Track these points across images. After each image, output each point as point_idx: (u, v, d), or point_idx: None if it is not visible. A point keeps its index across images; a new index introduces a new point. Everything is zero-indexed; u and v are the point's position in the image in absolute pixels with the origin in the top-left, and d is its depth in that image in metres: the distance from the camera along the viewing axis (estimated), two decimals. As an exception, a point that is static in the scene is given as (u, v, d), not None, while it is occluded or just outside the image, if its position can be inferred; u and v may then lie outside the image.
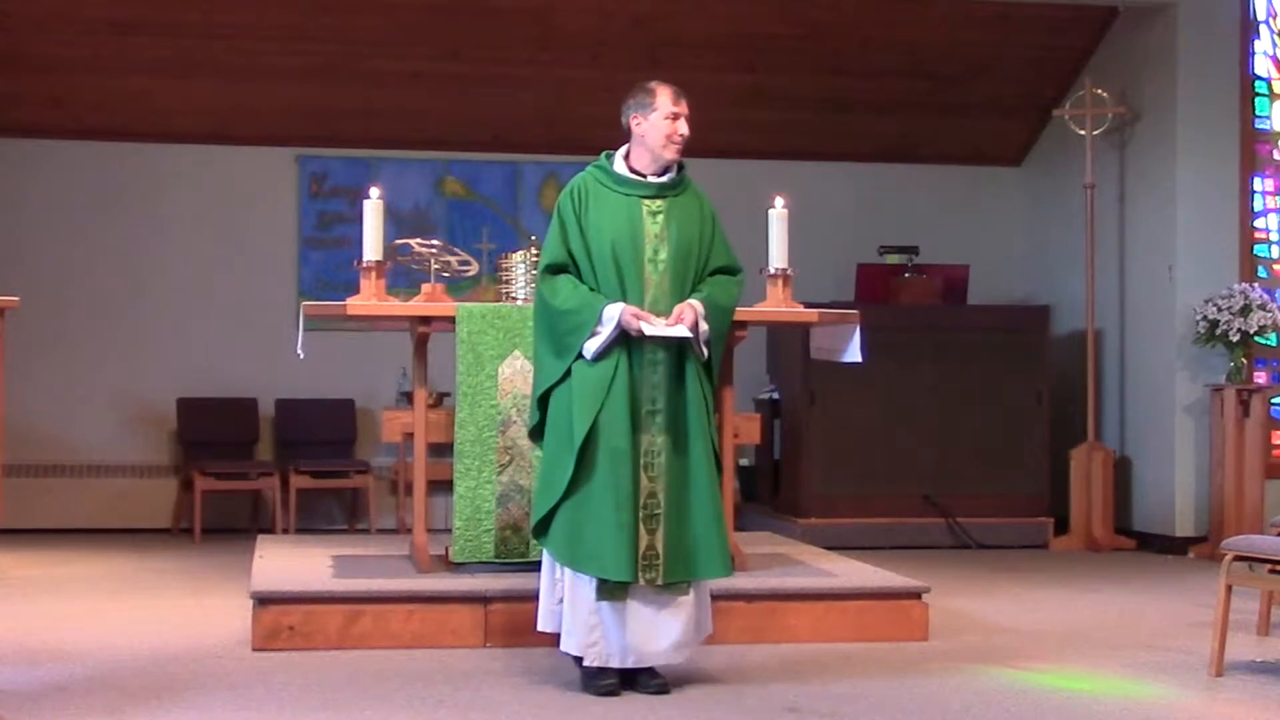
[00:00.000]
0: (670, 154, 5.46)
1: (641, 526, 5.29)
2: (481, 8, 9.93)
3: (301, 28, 9.91)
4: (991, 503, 10.06)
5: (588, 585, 5.29)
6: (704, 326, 5.38)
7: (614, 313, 5.29)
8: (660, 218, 5.43)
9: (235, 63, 10.09)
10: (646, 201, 5.45)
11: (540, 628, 5.51)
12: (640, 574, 5.26)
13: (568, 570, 5.33)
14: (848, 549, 8.04)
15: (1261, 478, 9.38)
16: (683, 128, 5.45)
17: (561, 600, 5.38)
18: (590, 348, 5.30)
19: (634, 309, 5.30)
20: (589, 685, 5.33)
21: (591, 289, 5.36)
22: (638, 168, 5.49)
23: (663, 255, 5.40)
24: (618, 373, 5.32)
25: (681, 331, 5.31)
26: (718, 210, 5.63)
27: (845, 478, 9.95)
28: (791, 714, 5.08)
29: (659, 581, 5.29)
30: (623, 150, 5.55)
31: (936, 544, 9.91)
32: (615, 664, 5.31)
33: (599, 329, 5.30)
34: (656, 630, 5.32)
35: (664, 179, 5.49)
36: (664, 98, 5.44)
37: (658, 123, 5.43)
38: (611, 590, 5.27)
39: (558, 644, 5.42)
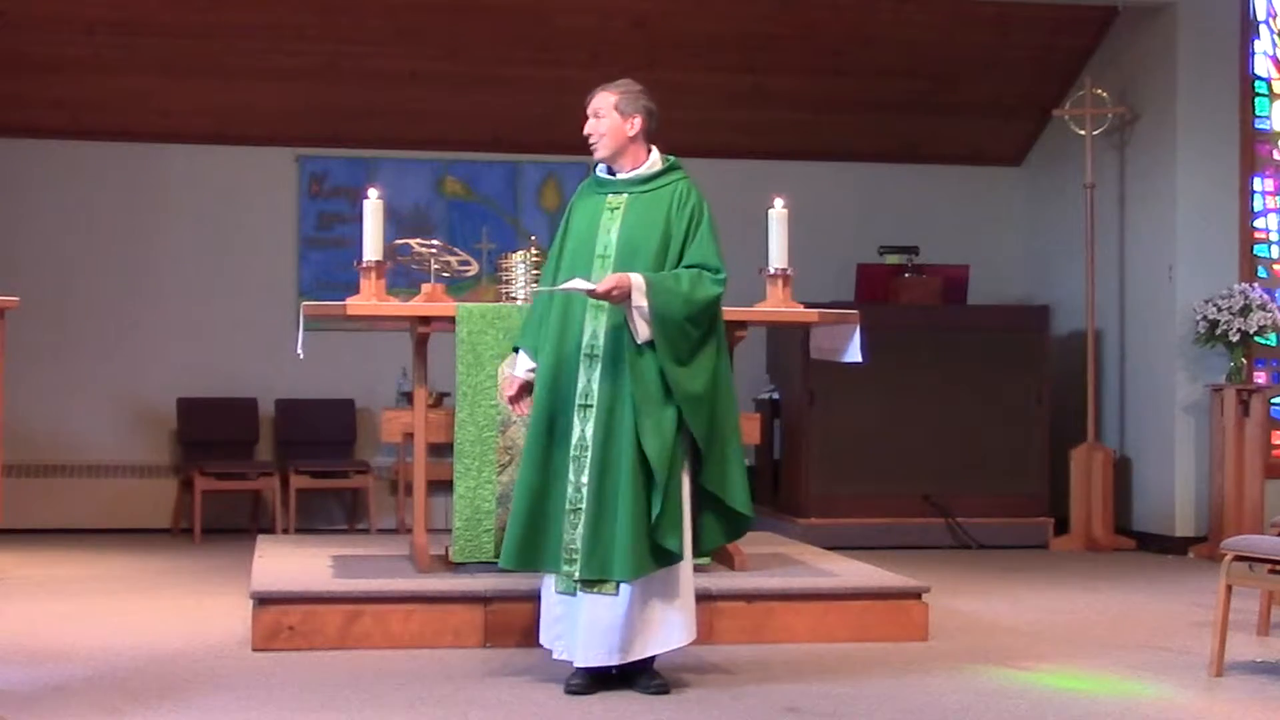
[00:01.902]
0: (594, 153, 5.46)
1: (565, 520, 5.29)
2: (481, 8, 9.93)
3: (301, 28, 9.91)
4: (991, 503, 10.06)
5: (551, 580, 5.37)
6: (640, 301, 5.18)
7: (513, 367, 5.54)
8: (616, 213, 5.40)
9: (235, 63, 10.09)
10: (610, 198, 5.43)
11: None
12: (562, 566, 5.29)
13: None
14: (848, 549, 8.03)
15: (1261, 478, 9.38)
16: (590, 126, 5.41)
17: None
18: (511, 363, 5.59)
19: (516, 391, 5.49)
20: (566, 681, 5.36)
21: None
22: (614, 167, 5.49)
23: (610, 252, 5.35)
24: (551, 367, 5.36)
25: (580, 285, 5.24)
26: (714, 210, 5.54)
27: (845, 478, 9.95)
28: (791, 714, 5.08)
29: (576, 576, 5.27)
30: None
31: (936, 544, 9.91)
32: (578, 661, 5.31)
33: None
34: (595, 629, 5.28)
35: (630, 175, 5.43)
36: None
37: None
38: (565, 585, 5.31)
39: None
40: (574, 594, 5.29)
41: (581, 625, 5.28)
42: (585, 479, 5.27)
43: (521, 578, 6.31)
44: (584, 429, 5.29)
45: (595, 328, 5.32)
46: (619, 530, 5.21)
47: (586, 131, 5.43)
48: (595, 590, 5.26)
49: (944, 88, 10.77)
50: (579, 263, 5.37)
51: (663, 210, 5.39)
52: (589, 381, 5.30)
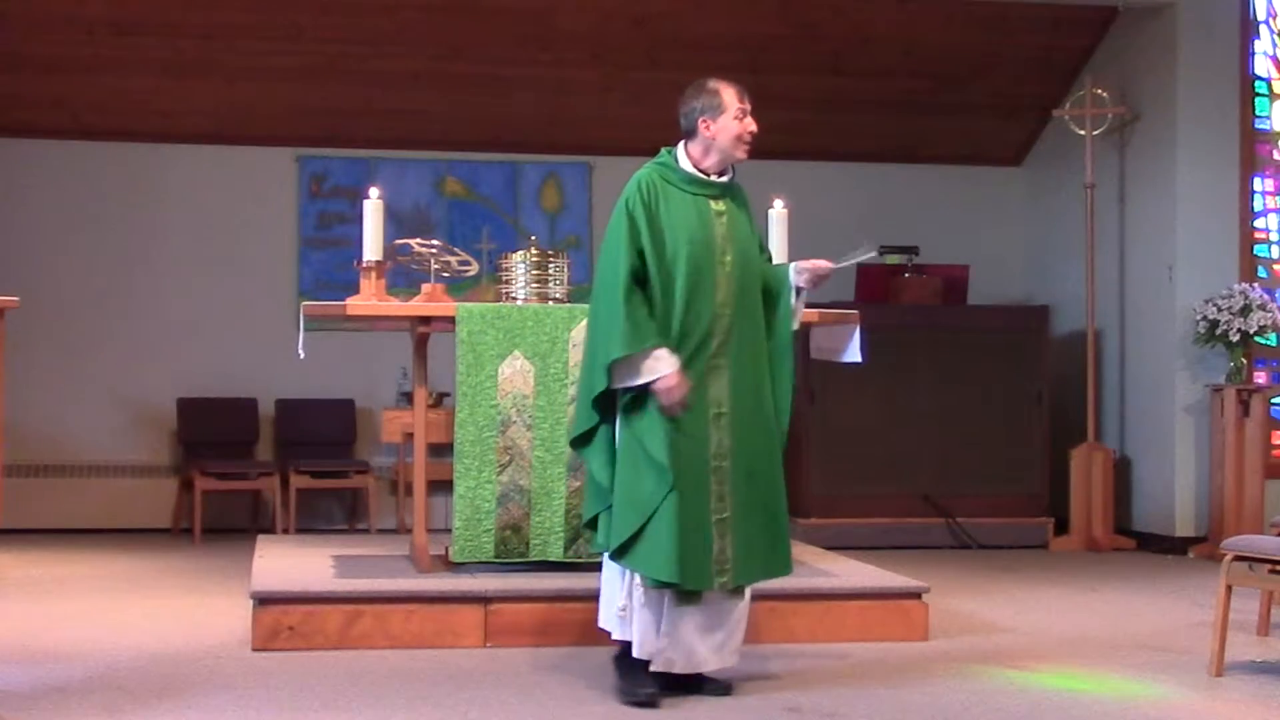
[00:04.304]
0: (742, 153, 5.40)
1: (713, 530, 5.23)
2: (481, 8, 9.93)
3: (301, 28, 9.92)
4: (991, 503, 10.06)
5: (666, 599, 5.23)
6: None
7: (659, 367, 5.12)
8: (724, 219, 5.37)
9: (235, 63, 10.09)
10: (713, 202, 5.38)
11: (603, 624, 5.39)
12: (714, 578, 5.22)
13: (638, 574, 5.22)
14: (848, 549, 8.04)
15: (1261, 478, 9.38)
16: (752, 125, 5.39)
17: (624, 606, 5.27)
18: (620, 376, 5.13)
19: (671, 387, 5.12)
20: (627, 693, 5.23)
21: (651, 297, 5.22)
22: (703, 166, 5.41)
23: (729, 257, 5.33)
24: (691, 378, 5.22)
25: (863, 254, 5.50)
26: None
27: (845, 478, 9.95)
28: (791, 714, 5.08)
29: (730, 586, 5.26)
30: (680, 147, 5.44)
31: (936, 544, 9.91)
32: (679, 670, 5.27)
33: (643, 367, 5.13)
34: (727, 633, 5.31)
35: (725, 179, 5.43)
36: (730, 96, 5.35)
37: (728, 123, 5.33)
38: (685, 595, 5.22)
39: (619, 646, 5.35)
40: (699, 604, 5.23)
41: (702, 633, 5.25)
42: (729, 487, 5.26)
43: (522, 578, 6.32)
44: (721, 437, 5.26)
45: (721, 337, 5.30)
46: (773, 530, 5.31)
47: (754, 130, 5.38)
48: (735, 597, 5.31)
49: (944, 88, 10.77)
50: (704, 265, 5.26)
51: (745, 215, 5.47)
52: (720, 389, 5.28)
